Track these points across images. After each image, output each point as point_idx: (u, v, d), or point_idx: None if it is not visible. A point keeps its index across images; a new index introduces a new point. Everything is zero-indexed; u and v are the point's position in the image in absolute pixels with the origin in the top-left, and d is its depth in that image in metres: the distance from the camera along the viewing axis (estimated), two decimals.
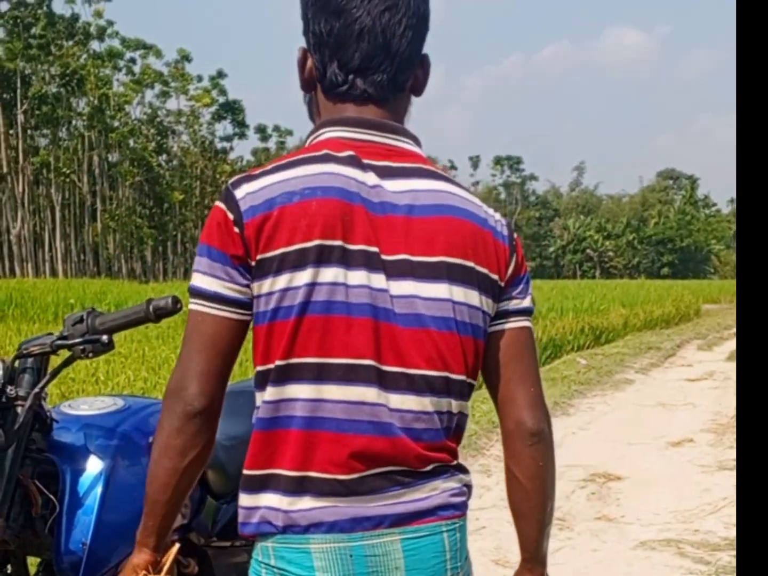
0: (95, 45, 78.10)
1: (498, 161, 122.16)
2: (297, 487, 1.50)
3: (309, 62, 1.65)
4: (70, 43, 73.16)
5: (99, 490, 2.18)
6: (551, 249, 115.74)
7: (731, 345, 18.75)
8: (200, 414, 1.51)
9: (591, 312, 21.81)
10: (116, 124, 76.53)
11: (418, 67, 1.66)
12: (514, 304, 1.64)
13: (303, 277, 1.47)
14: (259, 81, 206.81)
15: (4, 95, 69.03)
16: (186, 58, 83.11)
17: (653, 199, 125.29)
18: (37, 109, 70.64)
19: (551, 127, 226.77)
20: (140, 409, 2.43)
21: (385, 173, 1.56)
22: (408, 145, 1.63)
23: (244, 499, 1.56)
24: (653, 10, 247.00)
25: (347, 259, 1.49)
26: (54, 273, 68.11)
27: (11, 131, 70.40)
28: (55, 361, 2.23)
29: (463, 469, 1.63)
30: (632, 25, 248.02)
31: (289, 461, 1.50)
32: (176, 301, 2.07)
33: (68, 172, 72.32)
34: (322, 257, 1.48)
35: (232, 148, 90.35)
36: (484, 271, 1.58)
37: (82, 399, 2.50)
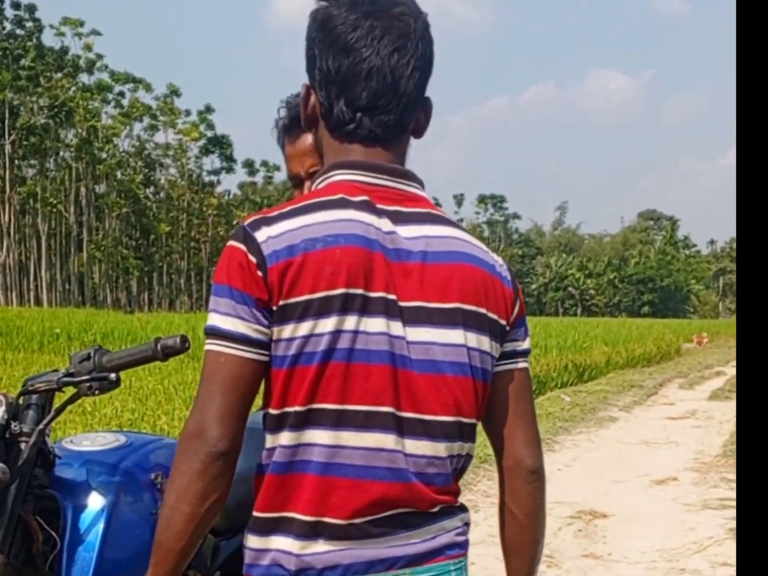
0: (84, 78, 78.52)
1: (482, 200, 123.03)
2: (310, 531, 1.50)
3: (312, 99, 1.65)
4: (59, 75, 73.41)
5: (100, 526, 2.17)
6: (533, 286, 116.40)
7: (712, 384, 18.89)
8: (224, 456, 1.47)
9: (574, 349, 21.92)
10: (104, 156, 76.59)
11: (420, 110, 1.67)
12: (515, 346, 1.68)
13: (327, 324, 1.47)
14: (247, 117, 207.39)
15: None
16: (175, 92, 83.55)
17: (634, 239, 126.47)
18: (25, 139, 70.70)
19: (535, 167, 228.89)
20: (142, 445, 2.43)
21: (397, 219, 1.57)
22: (416, 190, 1.64)
23: (254, 541, 1.55)
24: (637, 54, 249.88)
25: (368, 307, 1.50)
26: (38, 302, 67.83)
27: None
28: (59, 397, 2.24)
29: (464, 508, 1.66)
30: (616, 68, 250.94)
31: (304, 506, 1.50)
32: (184, 340, 2.08)
33: (55, 202, 72.25)
34: (346, 305, 1.48)
35: (219, 182, 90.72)
36: (494, 317, 1.62)
37: (84, 435, 2.49)
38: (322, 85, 1.61)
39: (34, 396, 2.17)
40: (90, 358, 2.09)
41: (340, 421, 1.49)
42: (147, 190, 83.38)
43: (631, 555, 6.00)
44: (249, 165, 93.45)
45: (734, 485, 8.32)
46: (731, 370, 22.64)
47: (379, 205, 1.57)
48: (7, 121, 68.56)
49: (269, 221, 1.52)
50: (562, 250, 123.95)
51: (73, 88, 75.04)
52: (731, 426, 12.12)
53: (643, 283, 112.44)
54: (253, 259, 1.49)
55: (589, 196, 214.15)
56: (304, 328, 1.48)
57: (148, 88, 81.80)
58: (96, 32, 77.37)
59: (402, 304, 1.53)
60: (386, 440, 1.51)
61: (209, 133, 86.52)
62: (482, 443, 9.82)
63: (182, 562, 1.53)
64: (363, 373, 1.50)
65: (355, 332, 1.49)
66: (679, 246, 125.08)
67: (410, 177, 1.65)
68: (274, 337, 1.49)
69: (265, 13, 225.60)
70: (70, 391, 2.15)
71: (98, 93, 77.73)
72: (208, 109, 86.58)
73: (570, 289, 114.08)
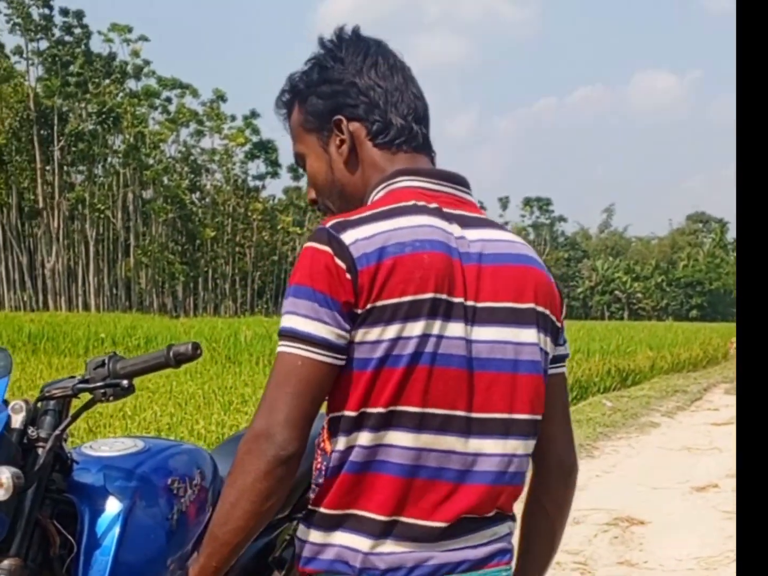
0: (132, 84, 79.41)
1: (527, 202, 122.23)
2: (381, 531, 1.54)
3: (351, 127, 1.72)
4: (107, 81, 74.22)
5: (117, 530, 2.19)
6: (579, 290, 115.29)
7: None
8: (291, 458, 1.50)
9: (618, 354, 21.68)
10: (151, 161, 77.38)
11: None
12: (562, 350, 1.78)
13: (416, 328, 1.52)
14: None
15: (42, 132, 70.10)
16: (221, 97, 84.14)
17: (683, 241, 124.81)
18: (74, 145, 71.62)
19: (582, 169, 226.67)
20: (160, 450, 2.46)
21: (464, 223, 1.64)
22: (469, 196, 1.73)
23: (317, 536, 1.59)
24: (684, 54, 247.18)
25: (450, 312, 1.55)
26: (86, 307, 68.72)
27: (47, 167, 71.34)
28: (77, 403, 2.27)
29: (513, 517, 1.70)
30: (663, 69, 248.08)
31: (378, 505, 1.54)
32: (196, 347, 2.09)
33: (103, 208, 73.18)
34: (434, 310, 1.53)
35: (264, 187, 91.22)
36: (554, 318, 1.70)
37: (103, 440, 2.52)
38: (374, 105, 1.71)
39: (52, 402, 2.19)
40: (104, 365, 2.12)
41: (421, 423, 1.54)
42: (193, 195, 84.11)
43: (668, 563, 5.93)
44: (294, 170, 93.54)
45: None
46: None
47: (446, 210, 1.64)
48: (56, 128, 69.59)
49: (353, 224, 1.56)
50: (609, 253, 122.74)
51: (121, 94, 75.93)
52: None
53: (691, 286, 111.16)
54: (341, 263, 1.51)
55: (636, 198, 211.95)
56: (392, 331, 1.51)
57: (195, 93, 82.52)
58: (144, 38, 78.22)
59: (478, 305, 1.59)
60: (458, 443, 1.57)
61: (255, 138, 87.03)
62: None
63: (234, 557, 1.57)
64: (443, 377, 1.54)
65: (440, 337, 1.53)
66: (729, 249, 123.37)
67: (465, 183, 1.73)
68: (357, 339, 1.52)
69: (312, 18, 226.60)
70: (87, 397, 2.18)
71: (145, 99, 78.56)
72: (254, 114, 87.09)
73: (617, 292, 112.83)
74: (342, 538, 1.56)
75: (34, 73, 71.68)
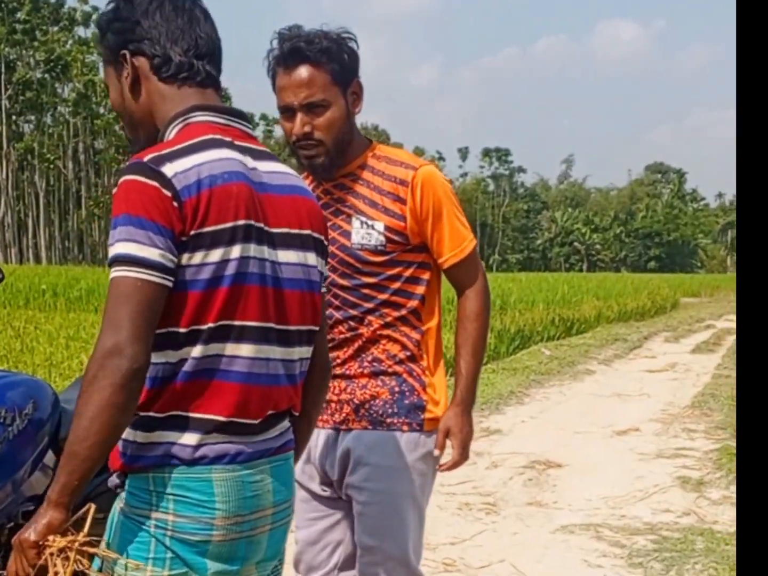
0: (81, 31, 77.79)
1: (486, 153, 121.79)
2: (208, 429, 1.74)
3: (136, 62, 1.88)
4: (56, 28, 72.75)
5: None
6: (539, 242, 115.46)
7: (699, 337, 18.87)
8: (142, 371, 1.64)
9: (563, 304, 21.77)
10: (102, 110, 76.17)
11: None
12: (325, 271, 2.03)
13: (233, 252, 1.72)
14: (246, 69, 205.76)
15: None
16: None
17: (641, 192, 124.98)
18: (22, 94, 70.28)
19: (543, 120, 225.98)
20: None
21: (253, 156, 1.86)
22: (251, 130, 1.92)
23: (143, 436, 1.75)
24: (649, 4, 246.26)
25: (258, 237, 1.77)
26: (38, 259, 67.89)
27: None
28: None
29: (292, 414, 1.95)
30: (628, 18, 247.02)
31: (206, 407, 1.74)
32: None
33: (53, 158, 72.01)
34: (247, 235, 1.74)
35: None
36: (326, 243, 1.98)
37: None
38: (156, 40, 1.85)
39: None
40: None
41: (241, 335, 1.76)
42: None
43: (576, 503, 6.05)
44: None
45: (694, 435, 8.37)
46: (722, 324, 22.61)
47: (238, 143, 1.83)
48: (3, 76, 68.15)
49: (169, 158, 1.72)
50: (568, 205, 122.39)
51: (70, 42, 74.46)
52: (707, 378, 12.16)
53: (649, 237, 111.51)
54: (167, 193, 1.68)
55: (597, 148, 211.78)
56: (214, 255, 1.71)
57: None
58: None
59: (273, 230, 1.82)
60: (271, 351, 1.81)
61: None
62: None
63: (93, 473, 1.67)
64: (258, 294, 1.77)
65: (254, 258, 1.76)
66: (687, 199, 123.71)
67: (247, 118, 1.93)
68: (183, 263, 1.69)
69: None
70: None
71: (95, 46, 77.03)
72: None
73: (576, 244, 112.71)
74: (170, 436, 1.74)
75: None
